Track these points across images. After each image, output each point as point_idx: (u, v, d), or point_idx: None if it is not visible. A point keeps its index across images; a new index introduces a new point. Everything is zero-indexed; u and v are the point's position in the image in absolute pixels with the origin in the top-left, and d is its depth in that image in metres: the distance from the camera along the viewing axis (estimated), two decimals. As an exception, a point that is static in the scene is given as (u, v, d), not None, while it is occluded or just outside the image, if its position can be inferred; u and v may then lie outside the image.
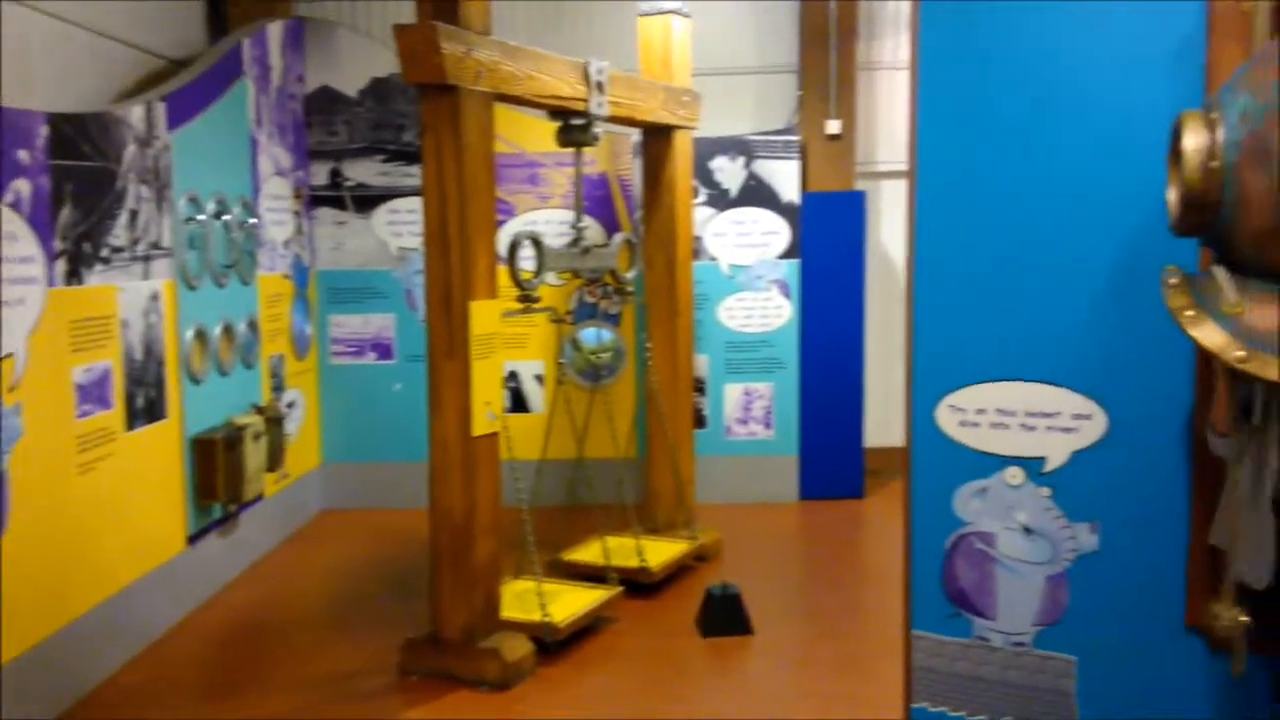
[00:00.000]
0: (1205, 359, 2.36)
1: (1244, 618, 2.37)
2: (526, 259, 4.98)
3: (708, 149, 7.29)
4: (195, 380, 5.50)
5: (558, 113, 5.18)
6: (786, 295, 7.45)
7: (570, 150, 5.51)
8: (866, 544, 6.79)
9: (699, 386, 7.40)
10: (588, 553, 5.80)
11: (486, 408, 4.48)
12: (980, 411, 2.88)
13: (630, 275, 5.74)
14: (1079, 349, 2.77)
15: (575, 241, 5.40)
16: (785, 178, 7.40)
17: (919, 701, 3.03)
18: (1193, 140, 2.12)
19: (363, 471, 7.41)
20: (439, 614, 4.59)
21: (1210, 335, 2.06)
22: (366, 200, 7.41)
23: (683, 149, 6.26)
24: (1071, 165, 2.73)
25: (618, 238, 5.65)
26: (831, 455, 7.58)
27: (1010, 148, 2.79)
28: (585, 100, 5.11)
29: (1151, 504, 2.72)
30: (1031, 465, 2.85)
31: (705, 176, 7.34)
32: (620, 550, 5.71)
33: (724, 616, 5.03)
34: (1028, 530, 2.86)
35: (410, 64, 4.27)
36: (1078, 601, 2.83)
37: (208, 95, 5.81)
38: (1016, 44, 2.76)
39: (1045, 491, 2.84)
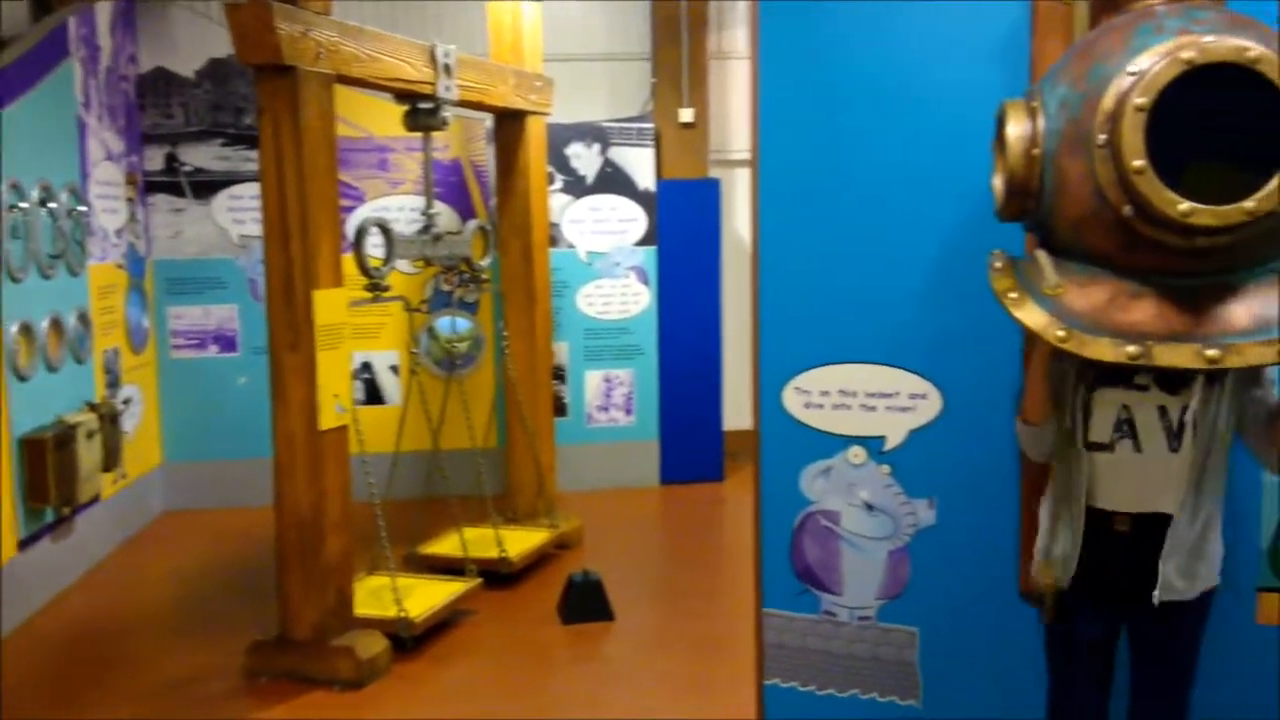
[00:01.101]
0: (1030, 341, 2.45)
1: (1054, 579, 2.49)
2: (375, 246, 4.85)
3: (563, 135, 7.24)
4: (21, 377, 5.18)
5: (404, 96, 5.05)
6: (644, 282, 7.48)
7: (420, 135, 5.39)
8: (725, 525, 6.89)
9: (559, 374, 7.37)
10: (445, 545, 5.72)
11: (334, 400, 4.35)
12: (824, 393, 2.95)
13: (485, 263, 5.65)
14: (915, 331, 2.85)
15: (426, 228, 5.29)
16: (641, 165, 7.42)
17: (771, 678, 3.08)
18: (1015, 128, 2.19)
19: (208, 470, 7.11)
20: (288, 614, 4.44)
21: (1032, 316, 2.14)
22: (205, 186, 7.10)
23: (536, 135, 6.21)
24: (906, 155, 2.80)
25: (471, 224, 5.57)
26: (691, 439, 7.66)
27: (848, 138, 2.85)
28: (433, 83, 5.00)
29: (984, 478, 2.83)
30: (872, 444, 2.92)
31: (561, 163, 7.29)
32: (479, 541, 5.64)
33: (584, 603, 5.03)
34: (870, 507, 2.94)
35: (244, 44, 4.09)
36: (918, 574, 2.92)
37: (30, 77, 5.45)
38: (852, 37, 2.82)
39: (885, 469, 2.92)
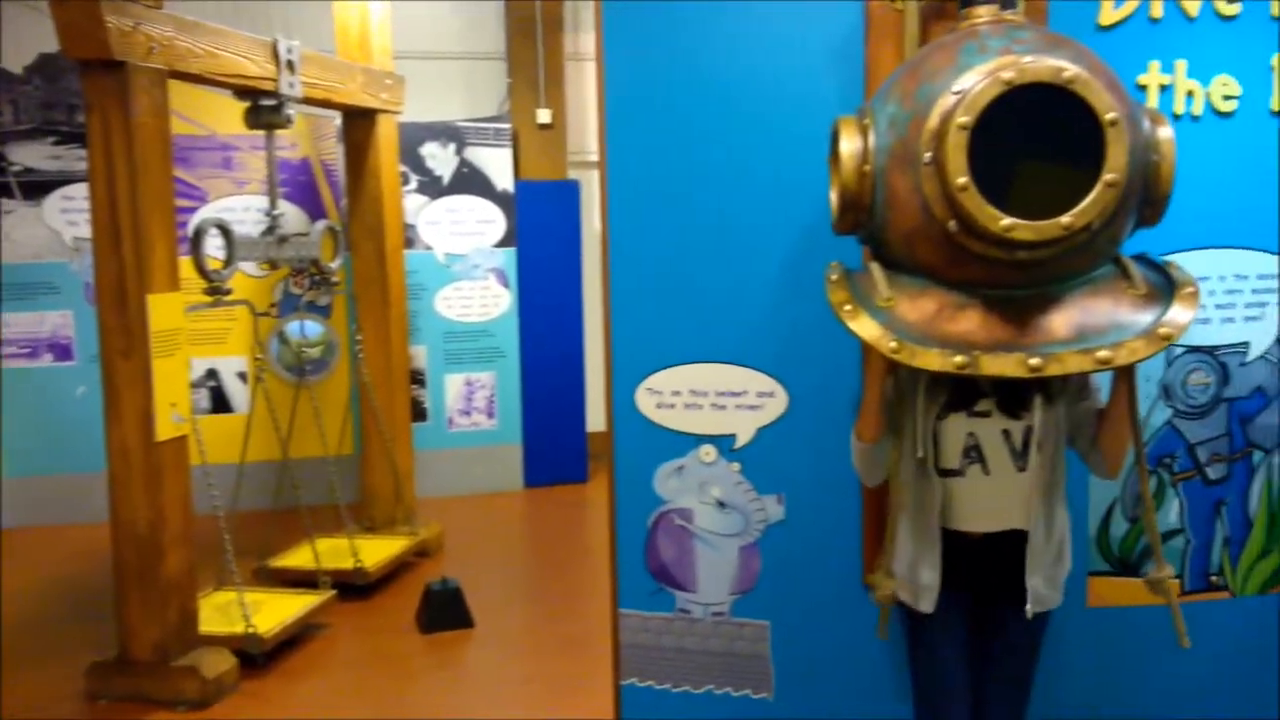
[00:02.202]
0: (868, 352, 2.48)
1: (894, 590, 2.55)
2: (215, 248, 4.66)
3: (417, 134, 7.12)
4: None
5: (246, 93, 4.87)
6: (505, 284, 7.41)
7: (264, 132, 5.20)
8: (588, 527, 6.89)
9: (417, 378, 7.25)
10: (297, 557, 5.54)
11: (172, 409, 4.16)
12: (676, 393, 2.96)
13: (335, 265, 5.50)
14: (762, 331, 2.90)
15: (270, 229, 5.11)
16: (498, 166, 7.35)
17: (627, 678, 3.08)
18: (847, 145, 2.24)
19: (48, 484, 6.73)
20: (127, 633, 4.23)
21: (866, 328, 2.19)
22: (36, 187, 6.71)
23: (388, 134, 6.08)
24: (749, 157, 2.84)
25: (319, 225, 5.40)
26: (555, 442, 7.64)
27: (693, 140, 2.87)
28: (275, 80, 4.83)
29: (829, 473, 2.89)
30: (723, 442, 2.96)
31: (416, 163, 7.16)
32: (334, 552, 5.49)
33: (444, 611, 4.95)
34: (721, 504, 2.97)
35: (70, 38, 3.88)
36: (769, 569, 2.97)
37: None
38: (695, 41, 2.84)
39: (736, 467, 2.96)
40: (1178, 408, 2.90)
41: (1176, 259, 2.79)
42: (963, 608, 2.51)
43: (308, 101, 5.24)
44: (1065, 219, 1.99)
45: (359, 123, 6.00)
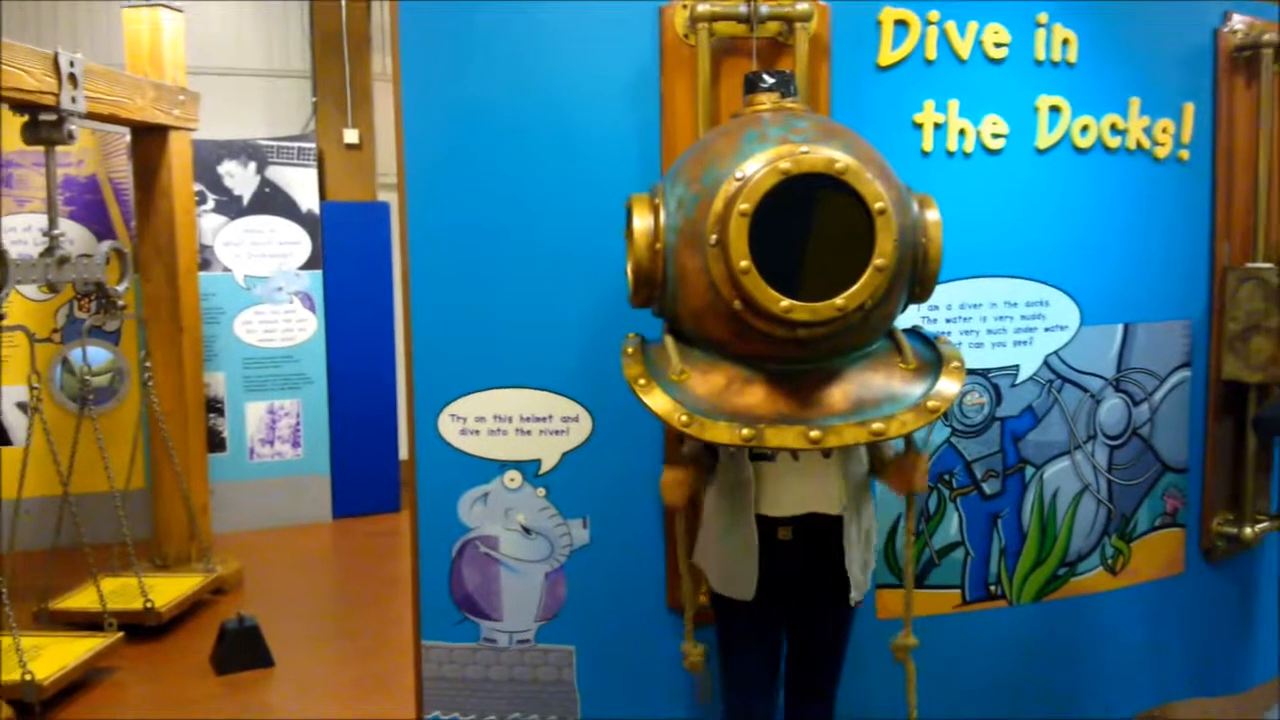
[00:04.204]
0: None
1: (702, 653, 2.62)
2: (-13, 271, 4.33)
3: (214, 153, 6.83)
4: None
5: (23, 106, 4.56)
6: (311, 308, 7.18)
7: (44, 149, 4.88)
8: (399, 558, 6.69)
9: (215, 407, 6.92)
10: (81, 599, 5.18)
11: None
12: (479, 419, 2.94)
13: (121, 288, 5.20)
14: (565, 355, 2.91)
15: (49, 250, 4.79)
16: (303, 186, 7.12)
17: (431, 712, 3.02)
18: (639, 223, 2.30)
19: None
20: (-120, 692, 3.86)
21: (659, 402, 2.25)
22: None
23: (180, 151, 5.79)
24: (548, 183, 2.85)
25: (104, 246, 5.10)
26: (366, 471, 7.42)
27: (492, 164, 2.86)
28: (56, 94, 4.55)
29: (633, 496, 2.93)
30: (528, 468, 2.95)
31: (214, 182, 6.87)
32: (122, 592, 5.17)
33: (240, 650, 4.72)
34: (527, 530, 2.96)
35: None
36: (574, 594, 2.97)
37: None
38: (493, 64, 2.84)
39: (541, 492, 2.95)
40: (955, 427, 3.08)
41: (954, 286, 3.01)
42: (775, 600, 2.56)
43: (92, 117, 4.95)
44: (839, 300, 2.11)
45: (149, 139, 5.70)
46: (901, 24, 2.94)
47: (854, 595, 2.51)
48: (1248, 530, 3.49)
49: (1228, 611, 3.68)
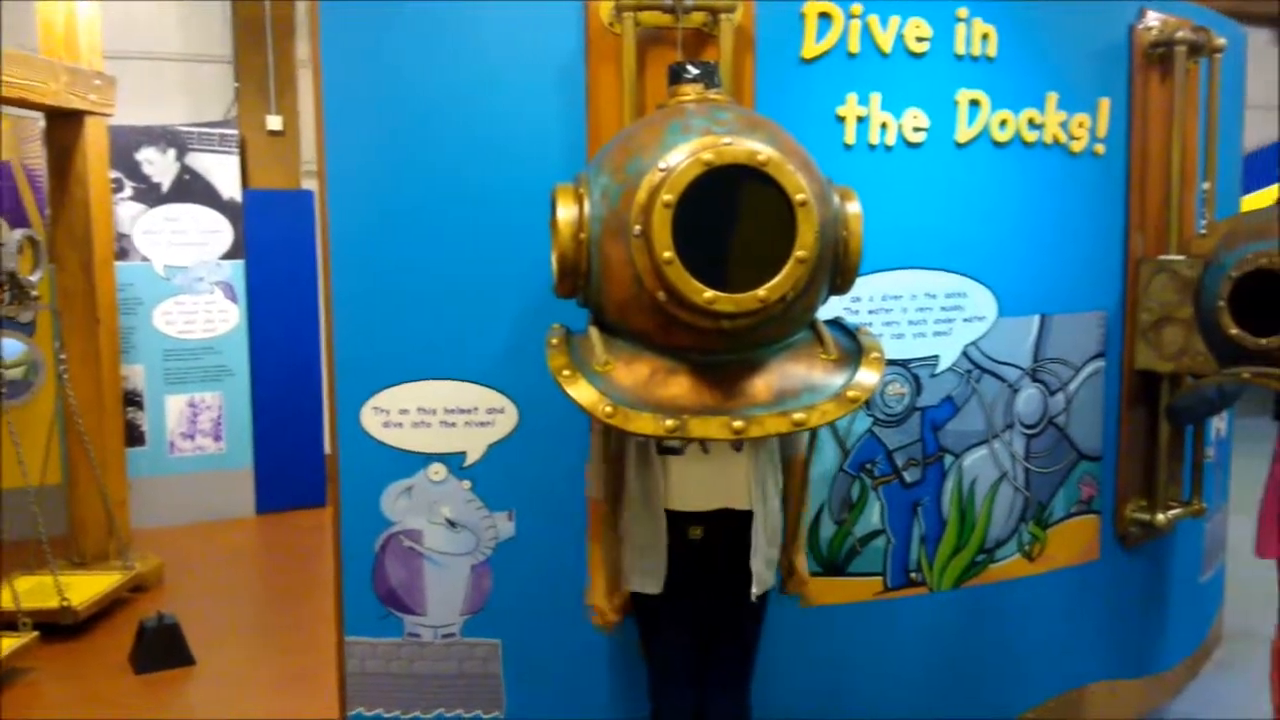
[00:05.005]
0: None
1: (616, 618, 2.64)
2: (-113, 260, 4.17)
3: (133, 139, 6.65)
4: None
5: (-77, 88, 4.40)
6: (232, 298, 7.03)
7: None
8: (322, 553, 6.60)
9: (133, 400, 6.75)
10: (-8, 599, 5.03)
11: None
12: (403, 411, 2.90)
13: (34, 277, 5.04)
14: (491, 347, 2.89)
15: (-44, 239, 4.63)
16: (224, 173, 6.96)
17: (354, 708, 2.99)
18: (563, 213, 2.28)
19: None
20: None
21: (583, 393, 2.23)
22: None
23: (96, 137, 5.62)
24: (472, 172, 2.82)
25: (17, 235, 4.94)
26: (290, 464, 7.30)
27: (415, 153, 2.82)
28: (-38, 76, 4.39)
29: (559, 487, 2.92)
30: (453, 460, 2.92)
31: (131, 169, 6.69)
32: (37, 591, 5.02)
33: (160, 649, 4.62)
34: (452, 523, 2.94)
35: None
36: (499, 587, 2.96)
37: None
38: (415, 52, 2.80)
39: (466, 484, 2.93)
40: (877, 416, 3.12)
41: (876, 278, 3.05)
42: (690, 594, 2.58)
43: (4, 101, 4.80)
44: (761, 292, 2.12)
45: (64, 125, 5.53)
46: (825, 17, 2.96)
47: (754, 590, 2.52)
48: (1160, 516, 3.59)
49: (1141, 596, 3.79)
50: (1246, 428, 5.07)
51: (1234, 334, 3.13)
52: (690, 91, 2.39)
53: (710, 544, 2.53)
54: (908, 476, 3.17)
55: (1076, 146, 3.32)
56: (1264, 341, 3.07)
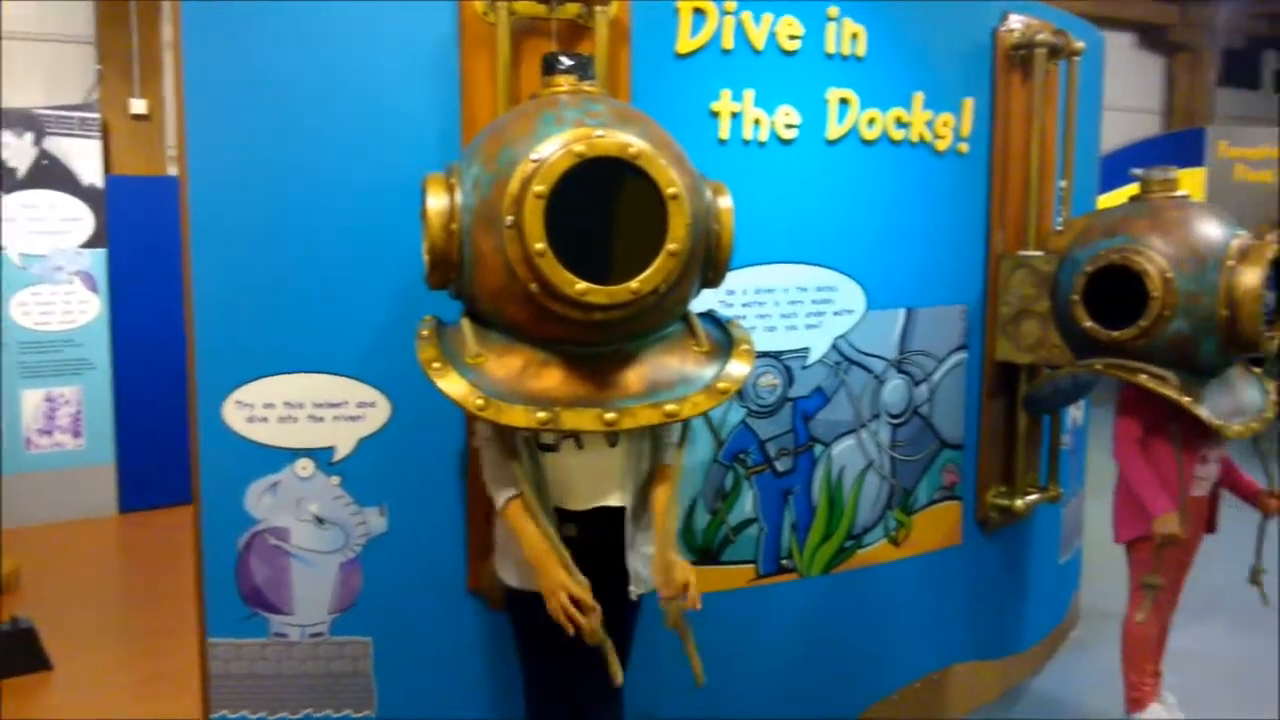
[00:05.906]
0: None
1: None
2: None
3: (-15, 121, 6.31)
4: None
5: None
6: (93, 288, 6.73)
7: None
8: (188, 552, 6.37)
9: (-14, 395, 6.42)
10: None
11: None
12: (268, 405, 2.82)
13: None
14: (361, 340, 2.82)
15: None
16: (85, 158, 6.65)
17: (218, 710, 2.90)
18: (434, 203, 2.24)
19: None
20: None
21: (454, 385, 2.21)
22: None
23: (-58, 118, 5.33)
24: (340, 161, 2.75)
25: None
26: (156, 461, 6.98)
27: (281, 141, 2.74)
28: None
29: (433, 481, 2.88)
30: (321, 455, 2.85)
31: (-16, 153, 6.34)
32: (-125, 598, 4.73)
33: (14, 654, 4.40)
34: (320, 520, 2.87)
35: None
36: (370, 584, 2.90)
37: None
38: (281, 37, 2.71)
39: (335, 480, 2.86)
40: (750, 407, 3.17)
41: (750, 272, 3.09)
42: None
43: None
44: (634, 284, 2.13)
45: (-97, 102, 5.21)
46: (700, 12, 2.98)
47: (633, 589, 2.50)
48: (1019, 502, 3.74)
49: (1002, 579, 3.94)
50: (1101, 417, 5.31)
51: (1088, 327, 3.27)
52: (564, 83, 2.38)
53: (586, 543, 2.49)
54: (779, 466, 3.23)
55: (941, 145, 3.42)
56: (1116, 334, 3.22)
